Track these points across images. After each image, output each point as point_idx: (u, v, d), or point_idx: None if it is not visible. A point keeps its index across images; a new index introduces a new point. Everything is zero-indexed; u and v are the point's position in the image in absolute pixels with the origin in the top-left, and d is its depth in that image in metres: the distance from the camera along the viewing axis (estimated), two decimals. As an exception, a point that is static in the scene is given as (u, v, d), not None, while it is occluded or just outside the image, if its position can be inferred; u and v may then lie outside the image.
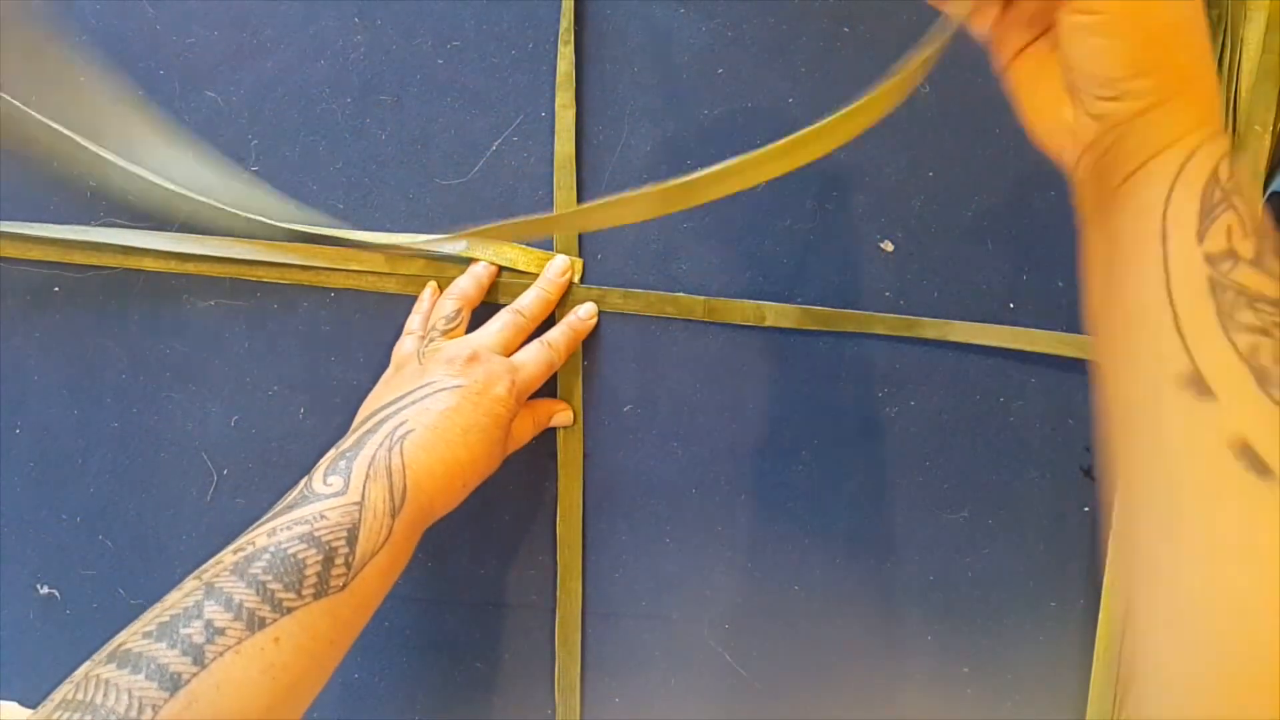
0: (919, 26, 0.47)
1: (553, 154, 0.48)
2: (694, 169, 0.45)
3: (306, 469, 0.49)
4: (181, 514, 0.50)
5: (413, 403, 0.40)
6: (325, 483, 0.37)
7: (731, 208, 0.48)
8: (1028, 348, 0.47)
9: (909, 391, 0.48)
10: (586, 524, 0.49)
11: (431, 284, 0.48)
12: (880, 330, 0.48)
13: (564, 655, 0.49)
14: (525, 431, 0.46)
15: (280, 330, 0.49)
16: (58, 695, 0.31)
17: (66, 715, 0.29)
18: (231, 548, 0.35)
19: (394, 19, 0.49)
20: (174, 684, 0.30)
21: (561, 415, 0.48)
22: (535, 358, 0.45)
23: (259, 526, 0.35)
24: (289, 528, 0.35)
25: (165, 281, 0.49)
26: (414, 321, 0.48)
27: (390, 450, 0.38)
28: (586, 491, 0.49)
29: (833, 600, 0.49)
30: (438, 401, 0.40)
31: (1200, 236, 0.26)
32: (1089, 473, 0.48)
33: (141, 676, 0.30)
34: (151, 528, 0.50)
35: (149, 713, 0.30)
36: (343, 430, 0.49)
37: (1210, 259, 0.25)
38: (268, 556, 0.34)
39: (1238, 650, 0.22)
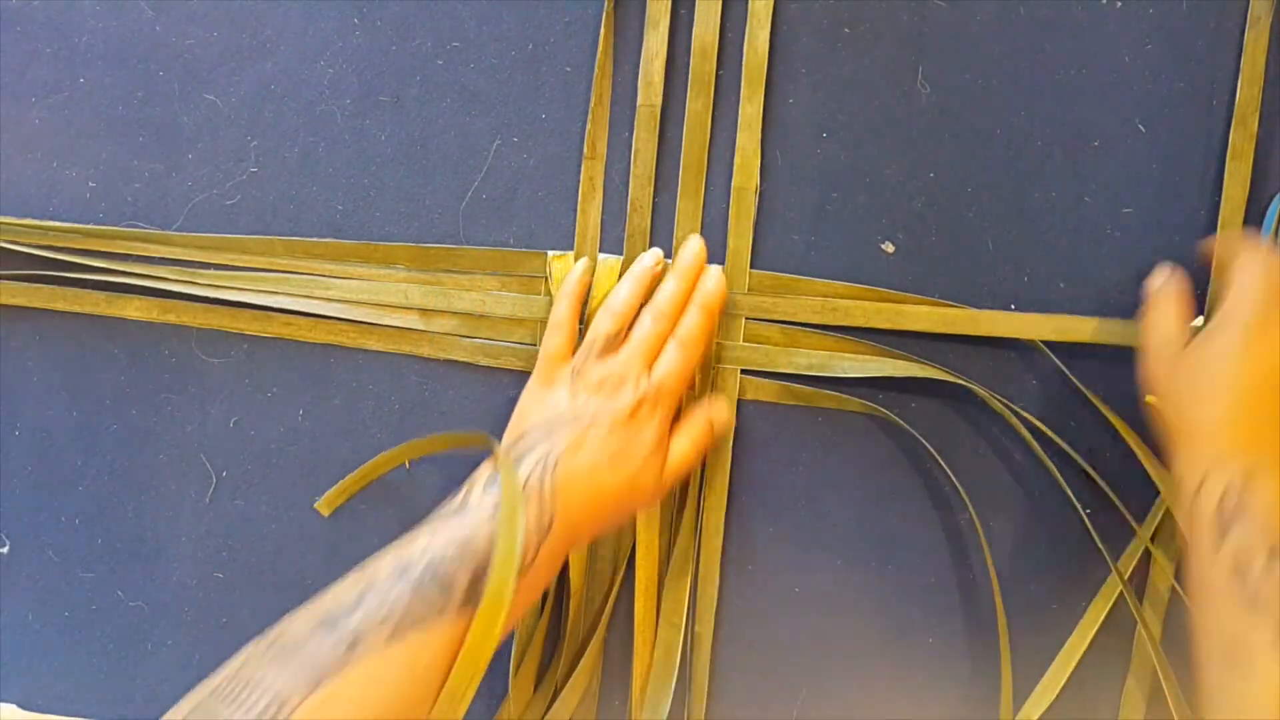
0: (919, 26, 0.47)
1: (552, 155, 0.48)
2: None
3: (306, 470, 0.50)
4: (180, 515, 0.50)
5: (565, 425, 0.42)
6: (485, 492, 0.39)
7: (731, 208, 0.48)
8: (1027, 343, 0.47)
9: (910, 392, 0.48)
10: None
11: (584, 260, 0.47)
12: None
13: (640, 665, 0.49)
14: (685, 454, 0.45)
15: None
16: (212, 682, 0.33)
17: (214, 704, 0.32)
18: (395, 543, 0.37)
19: (394, 19, 0.48)
20: (315, 681, 0.32)
21: (718, 416, 0.46)
22: (670, 368, 0.44)
23: (422, 526, 0.38)
24: (449, 532, 0.37)
25: (165, 282, 0.49)
26: (560, 312, 0.46)
27: (543, 476, 0.40)
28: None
29: (833, 601, 0.49)
30: (589, 430, 0.42)
31: None
32: (1090, 473, 0.48)
33: (289, 674, 0.32)
34: (150, 529, 0.50)
35: (285, 710, 0.31)
36: (341, 432, 0.49)
37: None
38: (426, 561, 0.36)
39: None
